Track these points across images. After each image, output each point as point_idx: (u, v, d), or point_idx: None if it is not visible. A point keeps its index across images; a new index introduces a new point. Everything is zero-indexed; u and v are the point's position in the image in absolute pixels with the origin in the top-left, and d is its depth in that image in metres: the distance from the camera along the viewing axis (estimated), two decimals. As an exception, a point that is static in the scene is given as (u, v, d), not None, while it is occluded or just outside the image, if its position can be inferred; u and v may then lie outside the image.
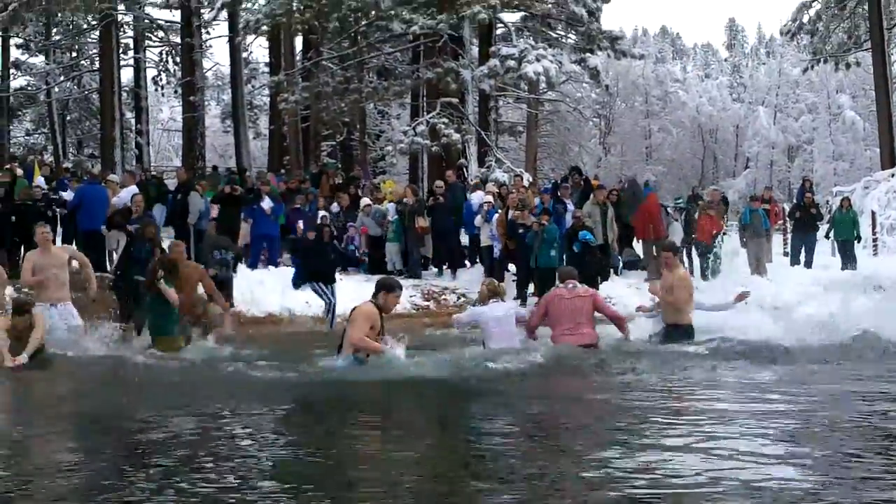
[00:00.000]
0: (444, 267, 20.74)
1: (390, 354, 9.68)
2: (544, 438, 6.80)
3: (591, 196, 20.77)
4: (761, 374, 9.63)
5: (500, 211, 19.60)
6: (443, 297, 19.21)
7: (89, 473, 5.63)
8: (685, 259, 21.83)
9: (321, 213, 20.17)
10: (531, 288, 18.67)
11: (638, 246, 22.39)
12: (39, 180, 20.29)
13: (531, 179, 25.00)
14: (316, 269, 16.43)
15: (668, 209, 21.95)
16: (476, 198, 20.93)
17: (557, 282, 12.24)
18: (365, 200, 21.87)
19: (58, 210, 18.68)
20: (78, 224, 18.38)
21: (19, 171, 22.63)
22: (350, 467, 5.86)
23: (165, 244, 16.04)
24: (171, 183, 22.10)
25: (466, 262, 21.26)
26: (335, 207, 21.37)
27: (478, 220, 20.11)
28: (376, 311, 9.84)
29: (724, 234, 22.11)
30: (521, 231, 18.44)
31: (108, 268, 18.60)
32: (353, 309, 10.02)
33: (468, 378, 9.64)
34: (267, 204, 19.48)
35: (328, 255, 16.82)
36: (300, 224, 19.84)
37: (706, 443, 6.16)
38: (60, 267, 12.32)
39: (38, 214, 18.07)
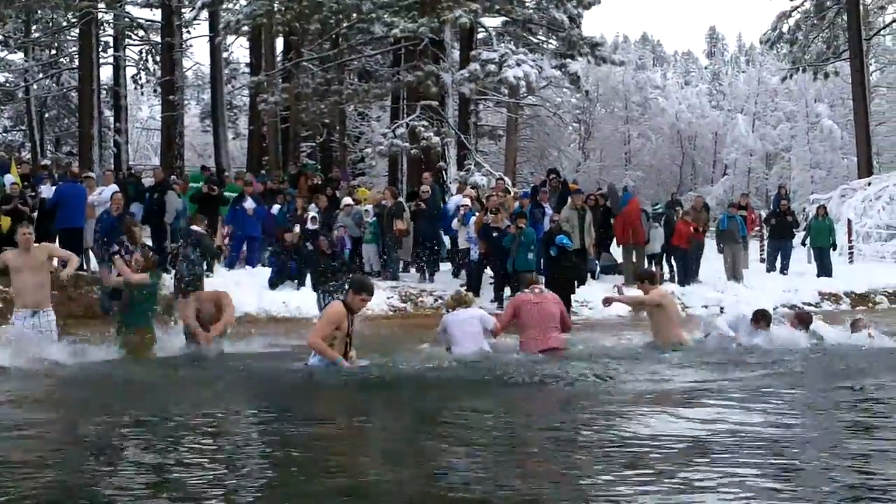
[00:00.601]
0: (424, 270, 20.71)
1: (343, 365, 9.75)
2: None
3: (569, 200, 20.84)
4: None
5: (477, 214, 19.64)
6: (420, 298, 19.23)
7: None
8: (664, 265, 21.99)
9: (311, 213, 20.24)
10: (507, 291, 18.72)
11: (616, 251, 22.51)
12: (7, 178, 20.15)
13: (512, 183, 25.05)
14: (324, 278, 16.10)
15: (649, 215, 22.06)
16: (454, 201, 21.00)
17: (523, 288, 12.44)
18: (346, 200, 21.87)
19: (32, 207, 18.60)
20: (56, 222, 18.33)
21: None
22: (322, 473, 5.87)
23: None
24: (150, 182, 22.06)
25: (442, 266, 21.30)
26: (313, 208, 21.34)
27: (455, 223, 20.14)
28: (345, 311, 9.88)
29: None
30: (494, 234, 18.47)
31: (86, 266, 18.58)
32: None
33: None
34: (249, 204, 19.48)
35: (333, 264, 16.85)
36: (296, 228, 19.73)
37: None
38: (38, 268, 11.50)
39: (13, 211, 18.10)
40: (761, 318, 12.31)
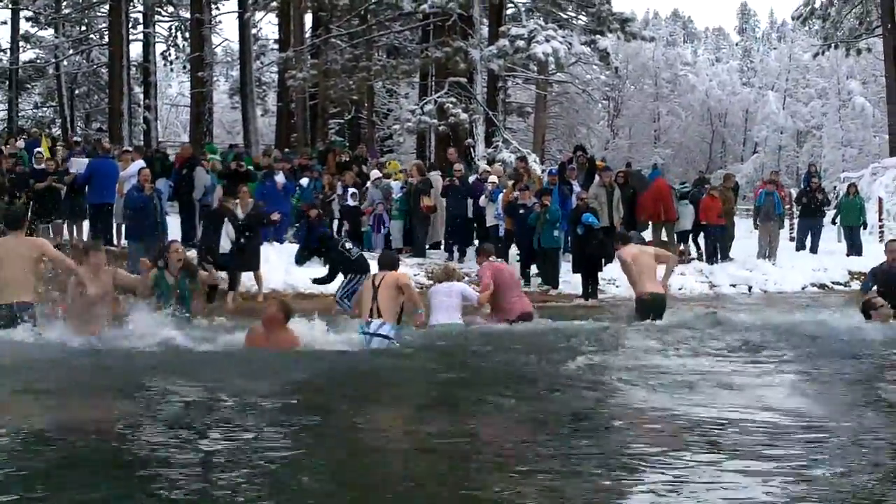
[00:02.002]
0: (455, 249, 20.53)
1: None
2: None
3: (597, 178, 20.74)
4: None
5: (504, 190, 19.57)
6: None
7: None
8: (691, 243, 21.88)
9: (351, 190, 20.35)
10: (534, 269, 18.70)
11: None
12: (37, 150, 20.36)
13: (537, 160, 24.93)
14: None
15: (678, 192, 21.91)
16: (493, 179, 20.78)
17: (486, 258, 13.04)
18: (375, 173, 21.89)
19: (63, 184, 18.71)
20: (88, 197, 18.46)
21: (20, 144, 22.74)
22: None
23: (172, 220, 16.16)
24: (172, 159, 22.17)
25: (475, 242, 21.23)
26: (340, 186, 21.37)
27: (482, 200, 20.07)
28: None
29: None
30: (521, 212, 18.39)
31: (116, 242, 18.71)
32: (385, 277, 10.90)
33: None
34: (280, 178, 19.52)
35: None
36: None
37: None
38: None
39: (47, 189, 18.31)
40: None
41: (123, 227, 18.45)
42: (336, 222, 21.13)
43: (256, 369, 8.89)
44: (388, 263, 11.33)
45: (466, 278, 14.93)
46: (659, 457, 5.49)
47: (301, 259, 17.10)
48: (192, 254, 15.30)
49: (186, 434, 6.17)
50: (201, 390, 7.91)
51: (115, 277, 10.90)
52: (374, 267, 12.27)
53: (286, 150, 29.44)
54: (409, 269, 18.17)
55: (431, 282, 13.24)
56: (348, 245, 15.17)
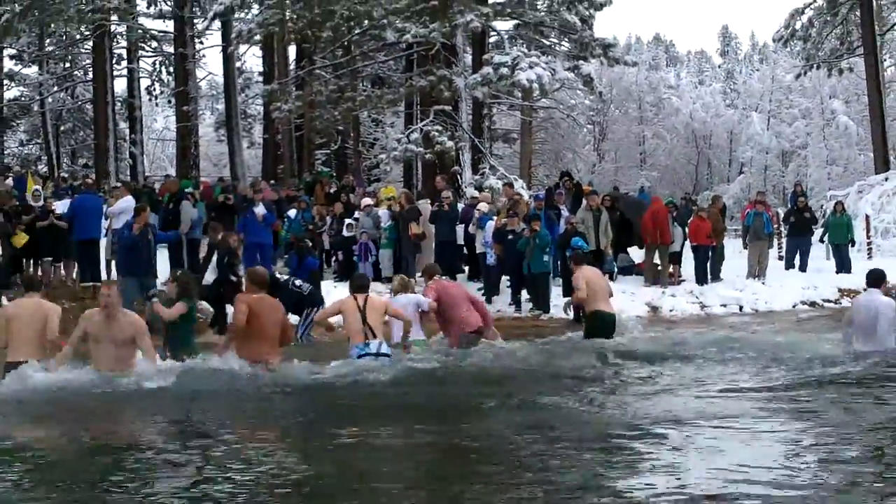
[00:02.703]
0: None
1: None
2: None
3: (584, 202, 20.76)
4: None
5: (494, 218, 19.57)
6: (437, 303, 19.11)
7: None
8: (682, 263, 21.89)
9: (347, 220, 20.41)
10: (524, 294, 18.69)
11: (632, 251, 22.44)
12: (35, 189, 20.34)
13: (525, 186, 24.97)
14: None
15: (673, 214, 21.87)
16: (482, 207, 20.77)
17: (431, 278, 13.37)
18: (366, 200, 21.89)
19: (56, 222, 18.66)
20: (73, 233, 18.39)
21: (9, 183, 22.71)
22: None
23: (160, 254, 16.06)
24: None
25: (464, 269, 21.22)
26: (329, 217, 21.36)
27: (471, 227, 20.07)
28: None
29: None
30: (510, 237, 18.38)
31: (103, 277, 18.65)
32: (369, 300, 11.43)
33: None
34: (260, 211, 19.47)
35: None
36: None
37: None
38: (121, 341, 10.32)
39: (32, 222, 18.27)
40: None
41: (114, 262, 18.46)
42: (323, 253, 21.13)
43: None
44: (363, 286, 11.85)
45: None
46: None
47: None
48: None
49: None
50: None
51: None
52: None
53: (272, 181, 29.42)
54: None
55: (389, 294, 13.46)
56: (298, 282, 15.46)
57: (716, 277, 21.30)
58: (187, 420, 8.19)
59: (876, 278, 11.87)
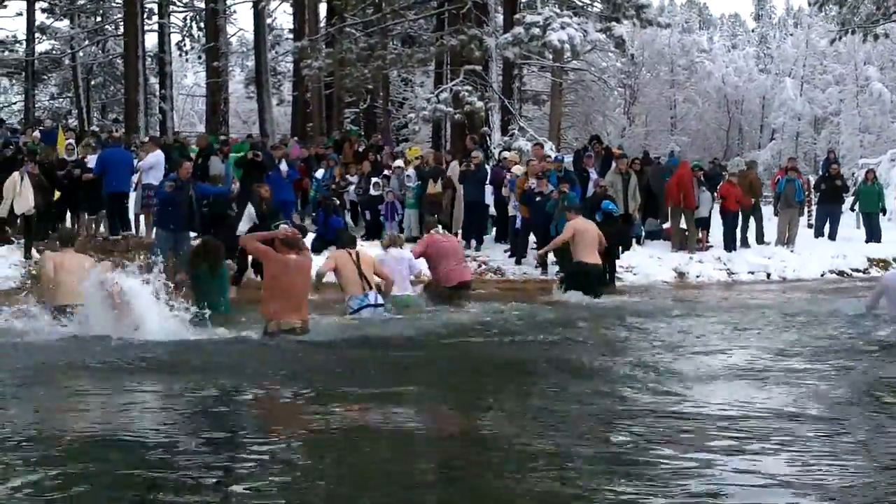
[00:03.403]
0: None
1: None
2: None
3: (613, 165, 20.64)
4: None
5: (518, 177, 19.50)
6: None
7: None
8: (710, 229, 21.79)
9: (374, 179, 20.41)
10: (551, 256, 18.61)
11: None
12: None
13: (553, 148, 24.83)
14: None
15: (701, 179, 21.70)
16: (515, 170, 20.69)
17: (428, 231, 14.22)
18: (398, 162, 21.86)
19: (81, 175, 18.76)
20: (104, 186, 18.45)
21: (36, 135, 22.85)
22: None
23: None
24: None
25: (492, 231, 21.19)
26: (353, 178, 21.37)
27: (504, 190, 20.02)
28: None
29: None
30: (537, 199, 18.27)
31: (133, 230, 18.79)
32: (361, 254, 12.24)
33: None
34: (283, 168, 19.50)
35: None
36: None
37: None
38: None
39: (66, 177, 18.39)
40: None
41: (142, 217, 18.66)
42: (348, 212, 21.18)
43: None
44: (352, 240, 12.67)
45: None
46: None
47: (318, 248, 17.13)
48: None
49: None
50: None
51: None
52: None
53: (297, 138, 29.39)
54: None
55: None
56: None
57: (760, 240, 21.32)
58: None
59: None
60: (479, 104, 25.42)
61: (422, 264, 14.02)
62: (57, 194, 18.51)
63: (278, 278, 10.22)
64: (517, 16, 26.85)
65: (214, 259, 12.06)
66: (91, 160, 19.28)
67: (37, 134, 23.45)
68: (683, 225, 20.92)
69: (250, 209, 15.94)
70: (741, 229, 21.25)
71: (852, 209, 24.05)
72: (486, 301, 14.13)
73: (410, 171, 21.21)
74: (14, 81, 50.96)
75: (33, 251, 16.63)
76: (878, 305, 11.73)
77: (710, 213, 21.44)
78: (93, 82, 48.76)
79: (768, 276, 19.98)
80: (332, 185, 20.49)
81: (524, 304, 13.99)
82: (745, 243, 21.22)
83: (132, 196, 19.30)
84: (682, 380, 7.70)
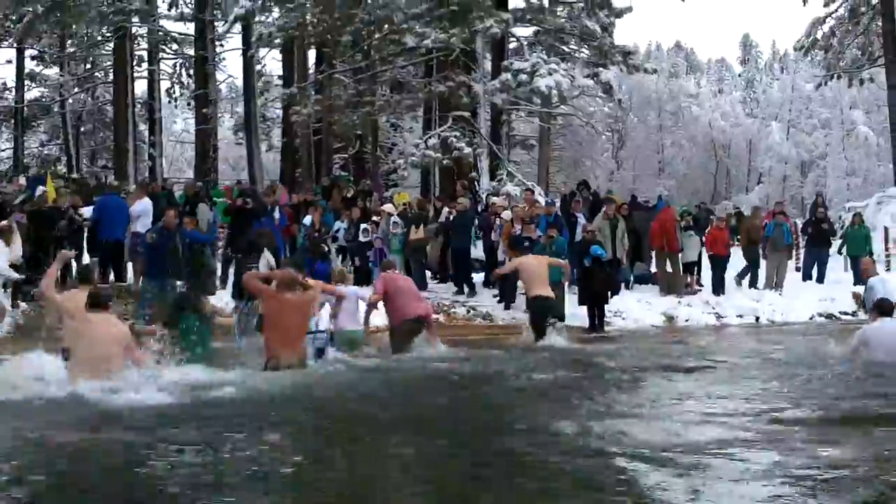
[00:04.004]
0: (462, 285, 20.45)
1: None
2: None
3: (602, 210, 20.72)
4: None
5: (506, 223, 19.56)
6: (452, 309, 19.11)
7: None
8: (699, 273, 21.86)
9: (363, 225, 20.42)
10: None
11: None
12: (39, 188, 20.43)
13: (542, 193, 24.93)
14: None
15: (682, 224, 21.81)
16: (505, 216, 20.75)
17: (385, 271, 14.19)
18: (387, 207, 21.88)
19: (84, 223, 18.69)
20: (98, 234, 18.41)
21: (21, 182, 22.82)
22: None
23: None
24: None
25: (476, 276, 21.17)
26: (340, 224, 21.39)
27: (493, 234, 20.08)
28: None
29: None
30: (526, 244, 18.28)
31: (128, 279, 18.74)
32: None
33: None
34: (277, 215, 19.50)
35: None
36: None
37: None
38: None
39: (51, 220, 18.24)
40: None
41: (136, 264, 18.59)
42: (339, 256, 21.16)
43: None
44: (298, 265, 12.71)
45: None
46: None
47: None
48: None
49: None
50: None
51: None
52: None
53: (280, 184, 29.39)
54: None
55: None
56: None
57: (753, 285, 21.50)
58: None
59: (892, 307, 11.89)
60: (468, 150, 25.54)
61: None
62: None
63: (276, 316, 10.92)
64: (505, 62, 27.06)
65: (202, 308, 11.97)
66: (86, 210, 19.25)
67: (22, 181, 23.43)
68: (670, 269, 20.98)
69: (268, 255, 15.84)
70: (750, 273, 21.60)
71: (840, 252, 24.12)
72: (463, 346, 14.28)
73: (395, 217, 21.24)
74: (3, 129, 50.98)
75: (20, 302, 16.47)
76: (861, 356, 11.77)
77: (700, 256, 21.54)
78: (82, 129, 48.79)
79: (757, 319, 20.02)
80: (315, 233, 20.43)
81: (496, 351, 14.26)
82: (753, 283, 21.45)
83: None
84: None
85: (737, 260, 22.15)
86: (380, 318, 14.36)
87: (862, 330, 11.93)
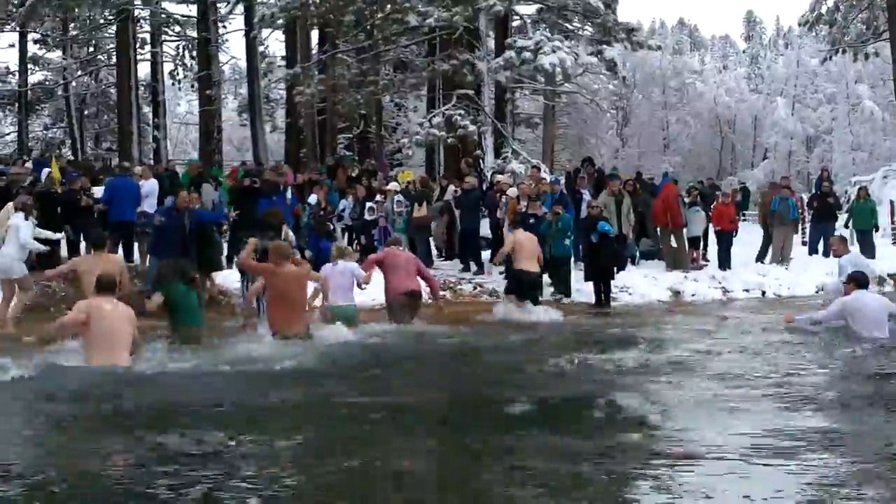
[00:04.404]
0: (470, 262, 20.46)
1: None
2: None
3: (606, 186, 20.71)
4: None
5: (511, 199, 19.56)
6: (459, 286, 19.11)
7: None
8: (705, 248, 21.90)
9: (368, 204, 20.46)
10: (545, 277, 18.61)
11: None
12: (45, 171, 20.45)
13: (547, 170, 24.92)
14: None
15: (686, 199, 21.87)
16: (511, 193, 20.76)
17: (386, 246, 15.03)
18: (392, 185, 21.87)
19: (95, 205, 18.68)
20: (109, 215, 18.40)
21: (28, 165, 22.84)
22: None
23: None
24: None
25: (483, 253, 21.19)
26: (346, 203, 21.39)
27: (499, 212, 20.11)
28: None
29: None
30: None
31: (137, 259, 18.76)
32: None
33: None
34: (289, 195, 19.53)
35: None
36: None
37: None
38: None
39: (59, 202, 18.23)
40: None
41: (142, 244, 18.61)
42: (345, 234, 21.20)
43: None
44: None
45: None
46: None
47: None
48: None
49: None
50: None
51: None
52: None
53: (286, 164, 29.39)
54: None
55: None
56: None
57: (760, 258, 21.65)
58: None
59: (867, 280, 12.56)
60: (472, 128, 25.53)
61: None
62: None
63: (279, 290, 11.23)
64: (508, 40, 27.03)
65: (190, 276, 11.99)
66: (97, 190, 19.25)
67: (29, 165, 23.45)
68: (674, 244, 20.99)
69: (287, 230, 15.81)
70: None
71: (846, 226, 24.10)
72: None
73: (399, 195, 21.25)
74: (7, 112, 50.99)
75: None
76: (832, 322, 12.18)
77: (707, 232, 21.56)
78: (86, 112, 48.78)
79: (763, 293, 20.01)
80: (320, 212, 20.45)
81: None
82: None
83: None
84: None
85: (745, 234, 22.16)
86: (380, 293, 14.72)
87: (842, 301, 12.09)
